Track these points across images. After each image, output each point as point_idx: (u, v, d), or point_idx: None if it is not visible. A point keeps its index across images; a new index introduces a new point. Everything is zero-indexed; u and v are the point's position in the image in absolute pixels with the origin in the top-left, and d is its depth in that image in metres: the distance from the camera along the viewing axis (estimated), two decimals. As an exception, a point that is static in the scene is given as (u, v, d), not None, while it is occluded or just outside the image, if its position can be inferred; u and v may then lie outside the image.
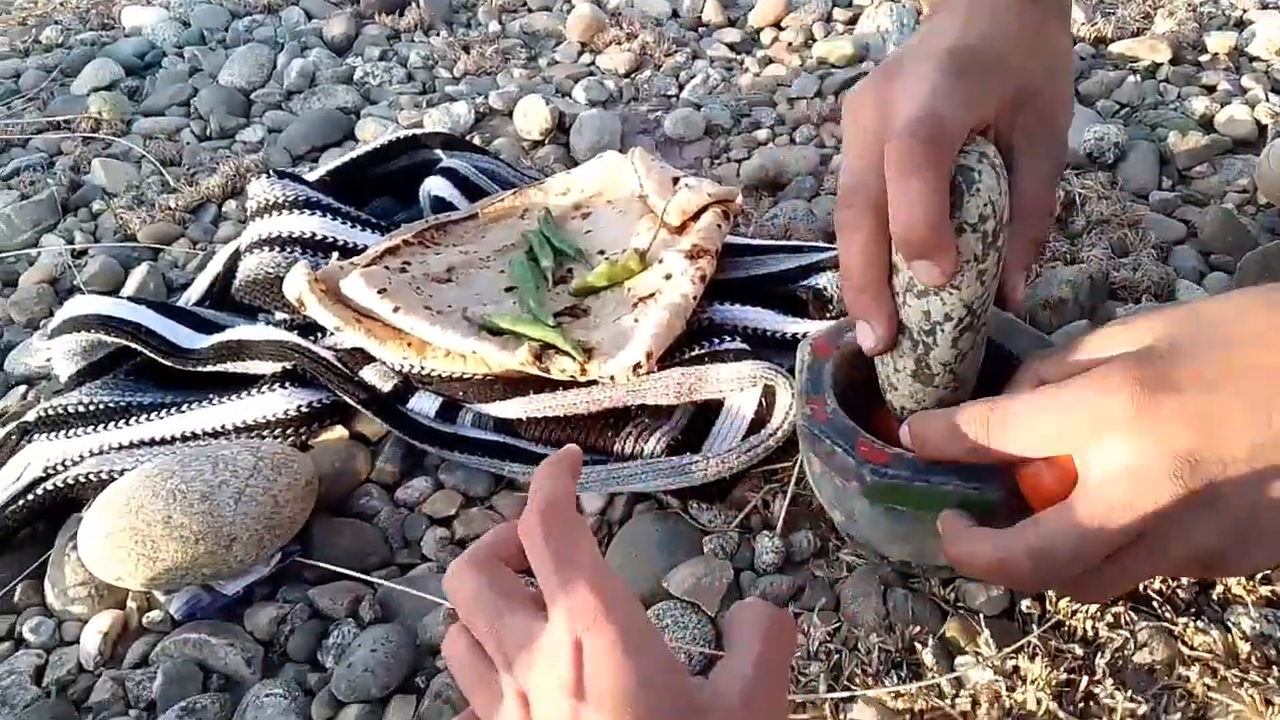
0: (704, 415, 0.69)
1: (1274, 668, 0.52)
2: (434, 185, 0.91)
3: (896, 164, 0.43)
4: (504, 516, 0.67)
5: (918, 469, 0.50)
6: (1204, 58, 1.18)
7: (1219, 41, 1.19)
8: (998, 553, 0.43)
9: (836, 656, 0.55)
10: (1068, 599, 0.56)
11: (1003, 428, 0.44)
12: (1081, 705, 0.52)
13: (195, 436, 0.72)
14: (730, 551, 0.63)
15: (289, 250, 0.81)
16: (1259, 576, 0.56)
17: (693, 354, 0.70)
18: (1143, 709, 0.51)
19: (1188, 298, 0.79)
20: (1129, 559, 0.42)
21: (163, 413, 0.73)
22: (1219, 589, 0.56)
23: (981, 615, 0.57)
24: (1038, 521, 0.43)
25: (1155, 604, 0.56)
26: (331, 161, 0.98)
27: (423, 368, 0.71)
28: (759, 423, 0.67)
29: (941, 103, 0.44)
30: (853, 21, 1.36)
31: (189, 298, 0.88)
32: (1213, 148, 0.99)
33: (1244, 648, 0.53)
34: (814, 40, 1.33)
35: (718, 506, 0.65)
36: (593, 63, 1.34)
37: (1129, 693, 0.52)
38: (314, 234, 0.81)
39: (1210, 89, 1.10)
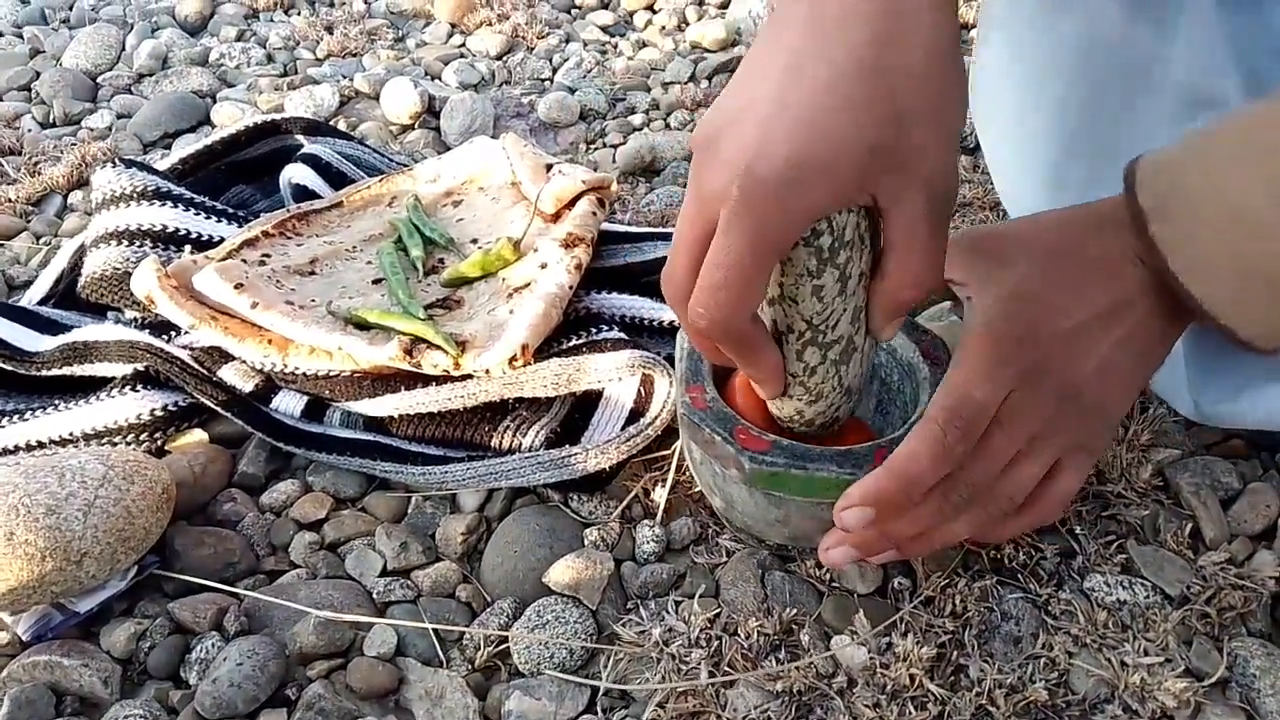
0: (583, 406, 0.68)
1: (1128, 632, 0.55)
2: (295, 173, 0.87)
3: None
4: (377, 519, 0.65)
5: (795, 456, 0.51)
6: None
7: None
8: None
9: (717, 642, 0.56)
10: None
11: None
12: (952, 678, 0.54)
13: (40, 445, 0.67)
14: (611, 543, 0.62)
15: (138, 244, 0.76)
16: (1113, 545, 0.59)
17: (570, 344, 0.69)
18: (1010, 679, 0.53)
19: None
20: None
21: (3, 421, 0.68)
22: (1079, 559, 0.59)
23: (856, 594, 0.58)
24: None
25: (1021, 576, 0.58)
26: (184, 149, 0.93)
27: (286, 366, 0.68)
28: (638, 412, 0.67)
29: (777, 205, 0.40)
30: (725, 4, 1.36)
31: (31, 297, 0.83)
32: (1067, 130, 1.03)
33: (1101, 615, 0.55)
34: (687, 24, 1.33)
35: (598, 498, 0.65)
36: (463, 44, 1.31)
37: (997, 664, 0.53)
38: (164, 226, 0.76)
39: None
